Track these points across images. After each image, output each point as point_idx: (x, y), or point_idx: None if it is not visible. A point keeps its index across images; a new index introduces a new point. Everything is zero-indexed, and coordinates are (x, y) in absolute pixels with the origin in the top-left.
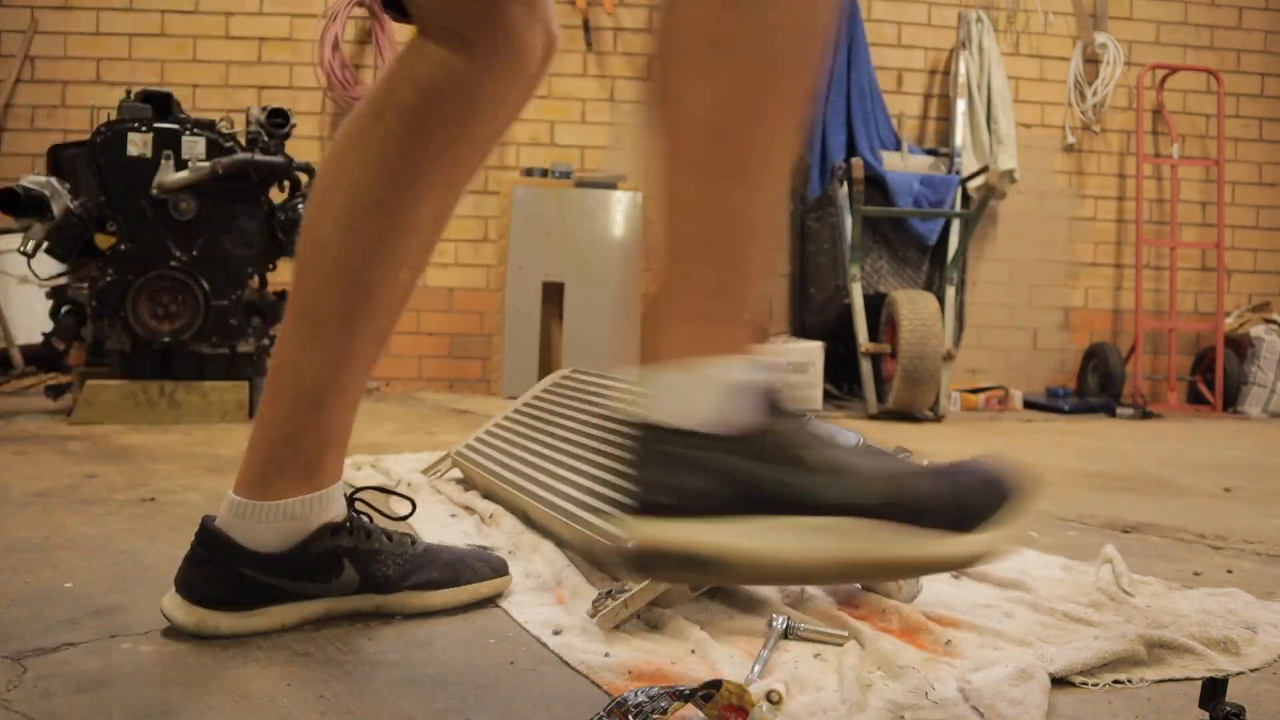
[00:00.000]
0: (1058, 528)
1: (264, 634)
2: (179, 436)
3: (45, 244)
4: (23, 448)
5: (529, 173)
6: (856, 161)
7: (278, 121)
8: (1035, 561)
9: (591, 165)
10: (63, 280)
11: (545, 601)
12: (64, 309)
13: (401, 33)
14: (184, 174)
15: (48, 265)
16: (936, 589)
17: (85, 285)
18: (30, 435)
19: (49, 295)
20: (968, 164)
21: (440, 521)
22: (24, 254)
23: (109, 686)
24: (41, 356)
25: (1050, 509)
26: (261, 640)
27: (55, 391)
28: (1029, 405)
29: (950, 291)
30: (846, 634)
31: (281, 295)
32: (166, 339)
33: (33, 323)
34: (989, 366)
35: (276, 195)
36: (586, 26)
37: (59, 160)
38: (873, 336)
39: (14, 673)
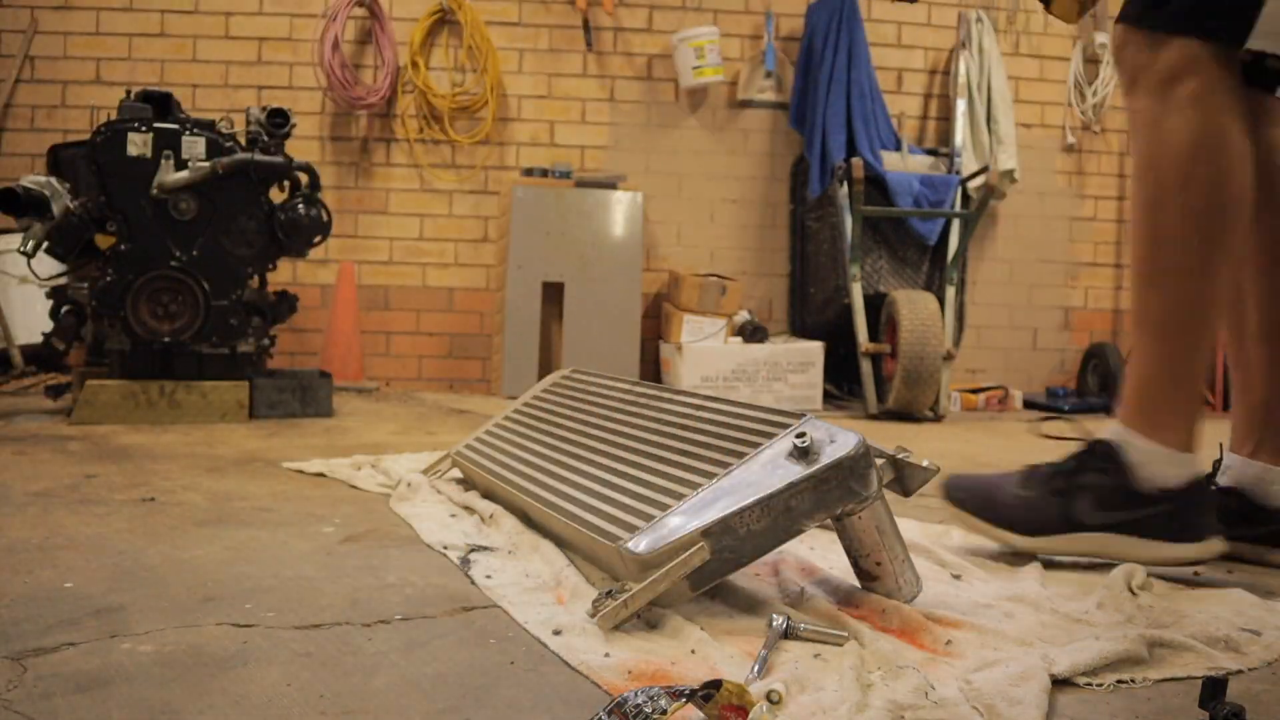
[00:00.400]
0: None
1: None
2: (179, 436)
3: (45, 244)
4: (23, 448)
5: (529, 173)
6: (856, 161)
7: (278, 121)
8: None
9: (591, 165)
10: (63, 280)
11: (545, 601)
12: (64, 309)
13: (401, 33)
14: (184, 174)
15: (48, 265)
16: (936, 589)
17: (85, 285)
18: (30, 435)
19: (49, 295)
20: (968, 164)
21: (440, 521)
22: (24, 254)
23: (109, 686)
24: (41, 356)
25: None
26: (261, 640)
27: (55, 391)
28: (1029, 405)
29: (950, 291)
30: (846, 634)
31: (282, 295)
32: (166, 339)
33: (33, 323)
34: (989, 366)
35: (276, 195)
36: (586, 26)
37: (59, 160)
38: (873, 336)
39: (14, 673)
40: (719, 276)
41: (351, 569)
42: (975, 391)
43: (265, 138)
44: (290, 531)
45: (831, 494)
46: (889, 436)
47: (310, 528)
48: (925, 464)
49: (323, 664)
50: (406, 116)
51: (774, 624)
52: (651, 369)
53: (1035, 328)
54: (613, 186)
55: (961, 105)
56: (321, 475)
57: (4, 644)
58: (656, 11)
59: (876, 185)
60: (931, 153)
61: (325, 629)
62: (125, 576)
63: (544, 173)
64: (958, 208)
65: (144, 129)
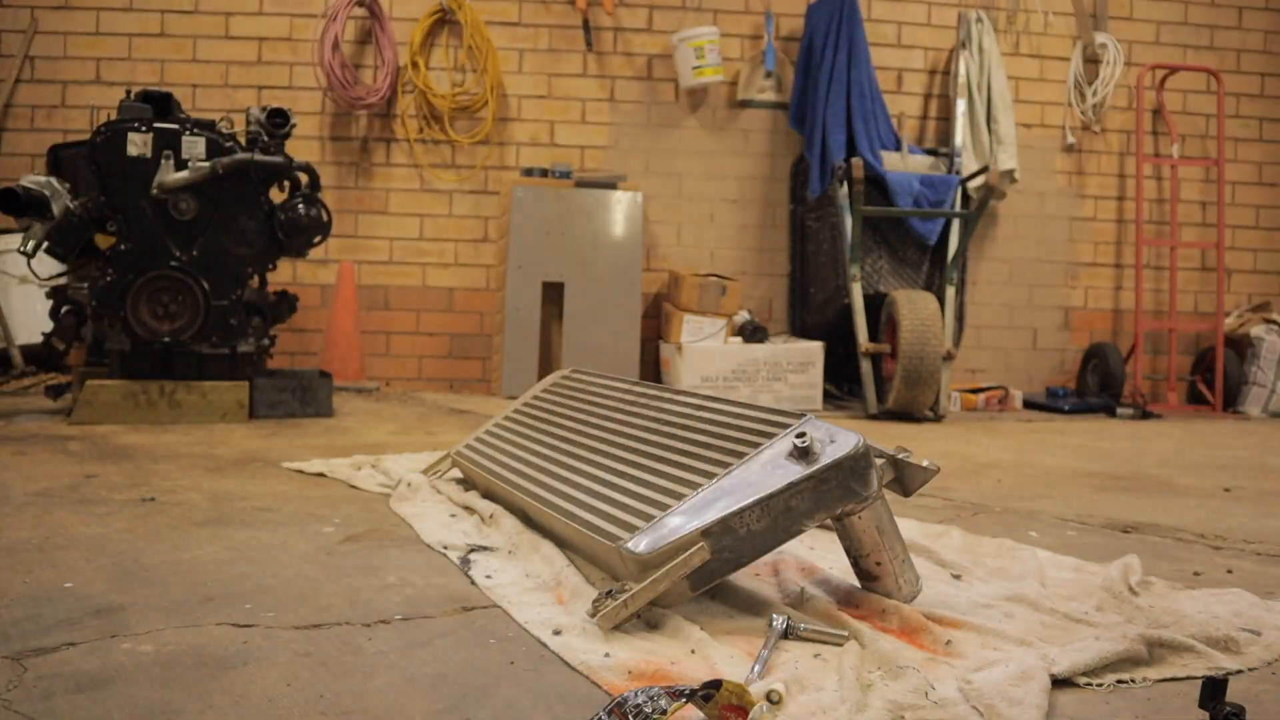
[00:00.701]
0: (1057, 528)
1: (265, 636)
2: (179, 436)
3: (45, 244)
4: (23, 448)
5: (529, 173)
6: (856, 161)
7: (278, 121)
8: (1048, 561)
9: (591, 165)
10: (63, 280)
11: (545, 601)
12: (64, 309)
13: (401, 33)
14: (184, 174)
15: (48, 265)
16: (936, 589)
17: (85, 285)
18: (30, 435)
19: (49, 295)
20: (968, 164)
21: (440, 521)
22: (24, 254)
23: (109, 686)
24: (41, 356)
25: (1050, 509)
26: (261, 640)
27: (55, 391)
28: (1029, 405)
29: (950, 291)
30: (846, 634)
31: (282, 295)
32: (166, 339)
33: (33, 323)
34: (989, 366)
35: (276, 195)
36: (586, 26)
37: (59, 160)
38: (873, 336)
39: (14, 673)
40: (719, 276)
41: (351, 569)
42: (975, 391)
43: (265, 138)
44: (290, 531)
45: (831, 494)
46: (889, 436)
47: (310, 528)
48: (925, 464)
49: (323, 664)
50: (406, 116)
51: (774, 624)
52: (651, 369)
53: (1035, 328)
54: (613, 186)
55: (961, 105)
56: (321, 475)
57: (4, 644)
58: (656, 11)
59: (876, 185)
60: (931, 153)
61: (325, 629)
62: (125, 576)
63: (544, 173)
64: (958, 208)
65: (144, 129)
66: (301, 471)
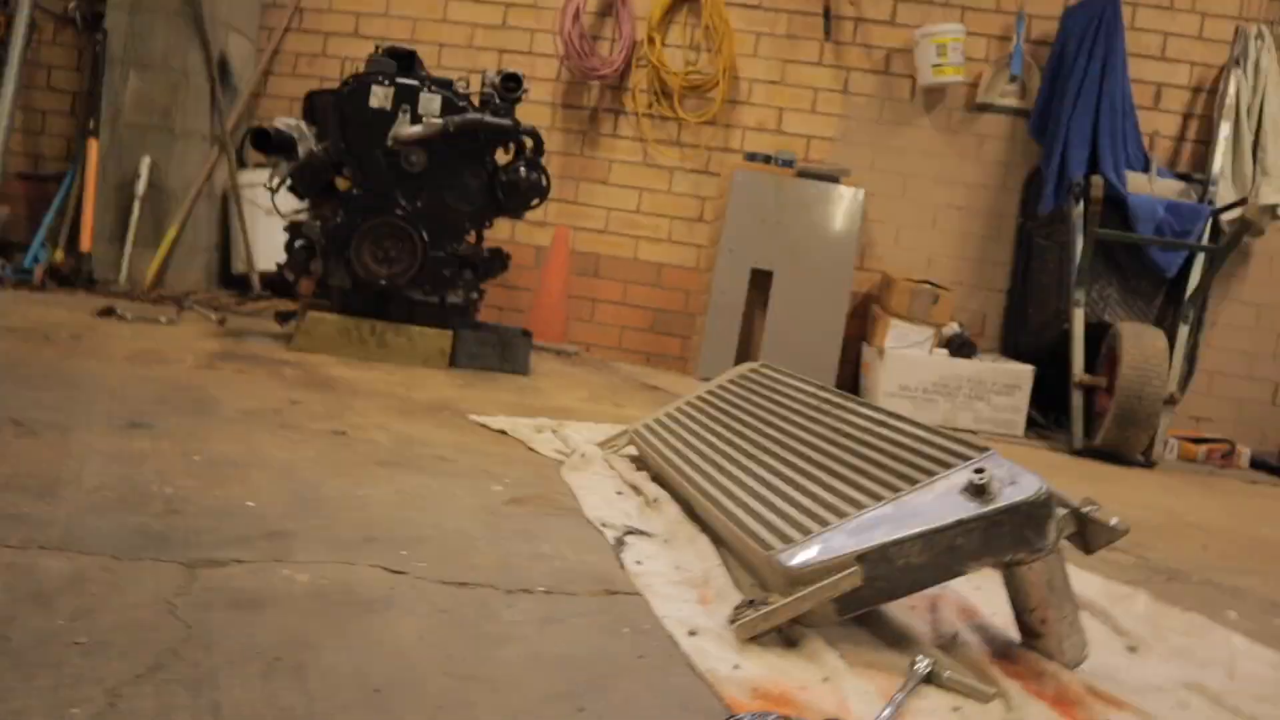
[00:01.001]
0: (1264, 612)
1: (407, 590)
2: (381, 374)
3: (288, 182)
4: (244, 367)
5: (752, 157)
6: (1095, 179)
7: (510, 85)
8: (1243, 650)
9: (816, 156)
10: (301, 217)
11: (688, 598)
12: (297, 243)
13: (641, 7)
14: (418, 128)
15: (290, 201)
16: (1105, 659)
17: (319, 223)
18: (253, 355)
19: (286, 229)
20: (1224, 194)
21: (605, 497)
22: (269, 189)
23: (262, 609)
24: (276, 283)
25: (1259, 588)
26: (407, 590)
27: (283, 318)
28: (1257, 465)
29: (1183, 330)
30: (993, 691)
31: (495, 252)
32: (383, 282)
33: (273, 252)
34: (1217, 417)
35: (502, 156)
36: (827, 14)
37: (314, 105)
38: (1089, 368)
39: (185, 579)
40: (932, 284)
41: (509, 532)
42: (1197, 441)
43: (497, 100)
44: (461, 485)
45: (1003, 539)
46: (1090, 475)
47: (480, 483)
48: (1114, 522)
49: (459, 624)
50: (637, 91)
51: (917, 666)
52: (850, 370)
53: (1278, 381)
54: (835, 180)
55: (1225, 129)
56: (503, 433)
57: (183, 550)
58: (901, 4)
59: (1115, 207)
60: (1184, 178)
61: (469, 589)
62: (301, 505)
63: (767, 159)
64: (1205, 240)
65: (386, 83)
66: (485, 426)
